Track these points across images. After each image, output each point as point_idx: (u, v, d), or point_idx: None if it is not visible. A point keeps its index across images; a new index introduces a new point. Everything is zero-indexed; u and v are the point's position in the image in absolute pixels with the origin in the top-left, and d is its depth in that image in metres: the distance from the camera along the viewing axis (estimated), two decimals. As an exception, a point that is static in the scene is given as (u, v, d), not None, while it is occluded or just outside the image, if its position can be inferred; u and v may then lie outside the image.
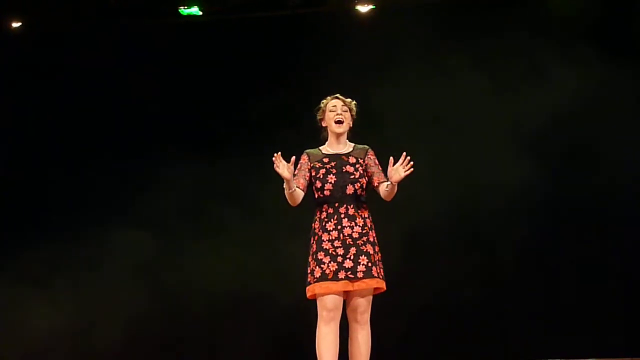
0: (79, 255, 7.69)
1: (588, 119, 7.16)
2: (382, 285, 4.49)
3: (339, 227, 4.47)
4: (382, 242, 4.64)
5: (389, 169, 4.42)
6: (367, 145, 4.70)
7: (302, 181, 4.57)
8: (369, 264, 4.44)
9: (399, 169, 4.38)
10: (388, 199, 4.55)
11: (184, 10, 7.96)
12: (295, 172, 4.57)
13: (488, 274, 7.29)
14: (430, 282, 7.36)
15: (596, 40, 7.20)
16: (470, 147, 7.40)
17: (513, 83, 7.35)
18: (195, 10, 7.96)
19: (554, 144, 7.31)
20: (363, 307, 4.47)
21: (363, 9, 7.82)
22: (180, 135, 7.84)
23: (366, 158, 4.62)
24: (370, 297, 4.50)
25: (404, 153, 4.38)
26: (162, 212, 7.71)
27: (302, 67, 7.76)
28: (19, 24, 8.09)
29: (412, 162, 4.37)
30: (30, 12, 8.03)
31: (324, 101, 4.70)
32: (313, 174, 4.57)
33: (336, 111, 4.62)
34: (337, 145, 4.64)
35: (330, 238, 4.46)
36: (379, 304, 6.94)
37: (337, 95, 4.69)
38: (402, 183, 4.46)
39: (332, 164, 4.58)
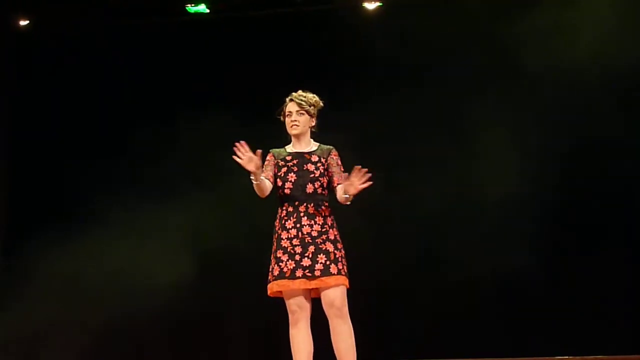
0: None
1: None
2: (343, 281, 4.47)
3: (298, 225, 4.50)
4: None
5: (345, 182, 4.42)
6: (332, 146, 4.71)
7: (270, 173, 4.63)
8: (327, 262, 4.45)
9: (355, 182, 4.37)
10: (344, 204, 4.56)
11: (191, 8, 7.97)
12: (262, 168, 4.59)
13: (489, 272, 7.24)
14: (431, 278, 7.33)
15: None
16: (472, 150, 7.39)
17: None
18: (202, 8, 7.96)
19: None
20: (339, 301, 4.46)
21: (370, 6, 7.79)
22: (186, 133, 7.84)
23: (329, 158, 4.64)
24: (344, 290, 4.49)
25: (357, 167, 4.37)
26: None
27: (309, 65, 7.74)
28: (27, 22, 8.12)
29: (369, 175, 4.37)
30: (38, 11, 8.08)
31: (286, 100, 4.71)
32: (276, 171, 4.63)
33: (291, 117, 4.66)
34: (299, 145, 4.68)
35: (289, 236, 4.50)
36: (381, 300, 7.15)
37: (293, 96, 4.68)
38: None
39: (294, 161, 4.62)
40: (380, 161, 6.69)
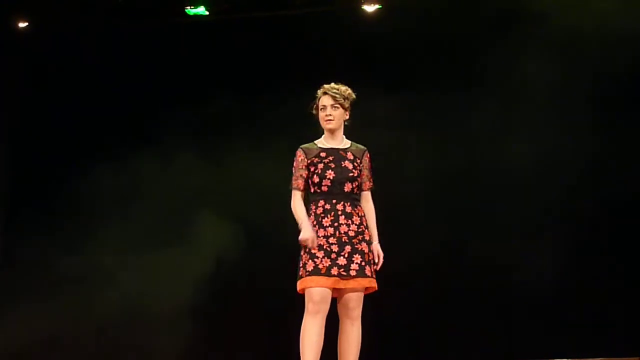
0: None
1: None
2: (374, 284, 4.45)
3: (336, 224, 4.40)
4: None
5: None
6: (366, 146, 4.63)
7: (301, 181, 4.51)
8: (363, 263, 4.39)
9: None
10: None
11: (191, 10, 7.97)
12: (293, 171, 4.54)
13: (489, 271, 7.25)
14: (432, 276, 7.35)
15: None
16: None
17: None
18: (201, 10, 7.96)
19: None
20: (354, 302, 4.41)
21: (369, 8, 7.81)
22: (188, 133, 7.85)
23: (363, 159, 4.57)
24: (362, 294, 4.44)
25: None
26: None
27: (309, 67, 7.75)
28: (26, 24, 8.11)
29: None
30: (37, 13, 8.06)
31: (318, 93, 4.60)
32: (312, 170, 4.50)
33: (325, 111, 4.54)
34: (332, 140, 4.56)
35: (326, 234, 4.39)
36: (385, 297, 7.13)
37: (328, 89, 4.57)
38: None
39: (330, 158, 4.50)
40: (379, 162, 6.71)
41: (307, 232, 4.37)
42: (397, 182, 7.27)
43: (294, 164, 4.55)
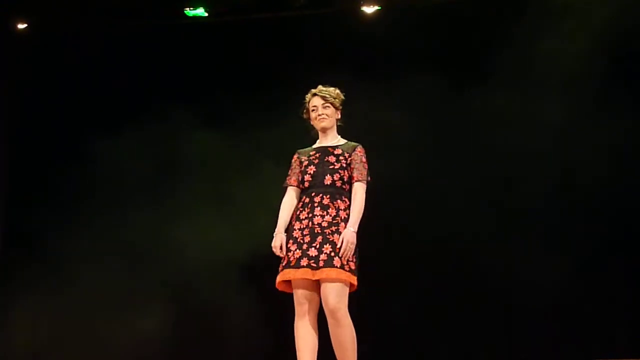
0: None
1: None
2: (347, 277, 4.27)
3: (310, 215, 4.41)
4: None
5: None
6: (366, 145, 4.65)
7: (294, 179, 4.61)
8: (332, 254, 4.29)
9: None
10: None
11: (190, 12, 7.98)
12: (289, 173, 4.64)
13: (489, 271, 7.24)
14: (433, 278, 7.34)
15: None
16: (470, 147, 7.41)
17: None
18: (200, 11, 7.98)
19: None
20: (332, 299, 4.24)
21: (369, 10, 7.83)
22: (187, 133, 7.85)
23: (353, 153, 4.56)
24: (341, 290, 4.26)
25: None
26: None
27: (308, 68, 7.76)
28: (25, 25, 8.12)
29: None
30: (36, 14, 8.08)
31: (307, 97, 4.68)
32: (300, 168, 4.60)
33: (317, 112, 4.62)
34: (325, 139, 4.64)
35: (301, 227, 4.42)
36: (384, 298, 7.15)
37: (316, 91, 4.68)
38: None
39: (317, 155, 4.58)
40: (379, 162, 6.72)
41: (275, 241, 4.46)
42: (396, 182, 7.27)
43: (291, 167, 4.66)
